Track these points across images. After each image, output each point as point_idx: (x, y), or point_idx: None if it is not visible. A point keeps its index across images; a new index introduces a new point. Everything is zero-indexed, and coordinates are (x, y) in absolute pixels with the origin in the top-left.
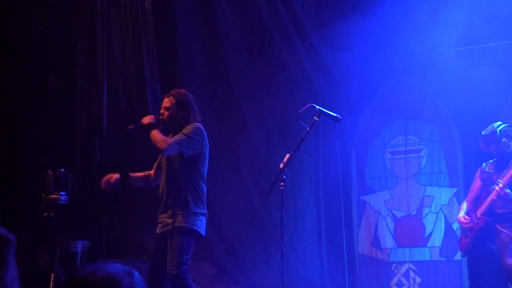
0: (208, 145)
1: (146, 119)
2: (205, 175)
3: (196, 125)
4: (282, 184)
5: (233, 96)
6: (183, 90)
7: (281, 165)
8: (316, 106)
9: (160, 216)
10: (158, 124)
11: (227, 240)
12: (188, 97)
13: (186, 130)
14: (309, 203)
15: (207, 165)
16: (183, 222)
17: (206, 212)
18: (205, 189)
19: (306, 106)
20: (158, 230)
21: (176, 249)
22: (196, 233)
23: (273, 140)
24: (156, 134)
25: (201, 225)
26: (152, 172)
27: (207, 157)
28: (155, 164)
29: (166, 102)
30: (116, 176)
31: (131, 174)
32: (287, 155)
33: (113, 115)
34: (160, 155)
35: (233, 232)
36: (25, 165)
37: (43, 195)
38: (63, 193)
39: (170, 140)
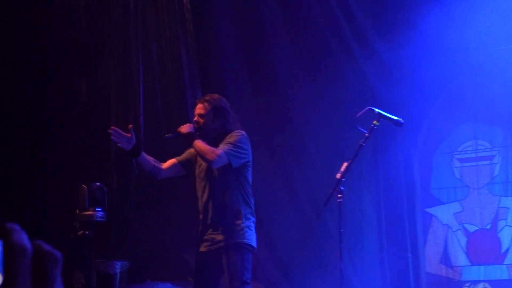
0: (252, 153)
1: (185, 128)
2: (251, 180)
3: (240, 132)
4: (339, 196)
5: (281, 98)
6: (217, 95)
7: (338, 175)
8: (375, 109)
9: (206, 232)
10: (196, 133)
11: (278, 257)
12: (224, 102)
13: (231, 138)
14: (369, 217)
15: (252, 170)
16: (240, 237)
17: (255, 220)
18: (253, 197)
19: (364, 110)
20: (203, 248)
21: (236, 269)
22: (252, 248)
23: (328, 147)
24: (201, 144)
25: (255, 238)
26: (164, 164)
27: (252, 165)
28: (173, 161)
29: (200, 108)
30: (129, 135)
31: (143, 154)
32: (344, 164)
33: (151, 123)
34: (185, 156)
35: (284, 248)
36: (57, 179)
37: (77, 211)
38: (99, 209)
39: (218, 150)
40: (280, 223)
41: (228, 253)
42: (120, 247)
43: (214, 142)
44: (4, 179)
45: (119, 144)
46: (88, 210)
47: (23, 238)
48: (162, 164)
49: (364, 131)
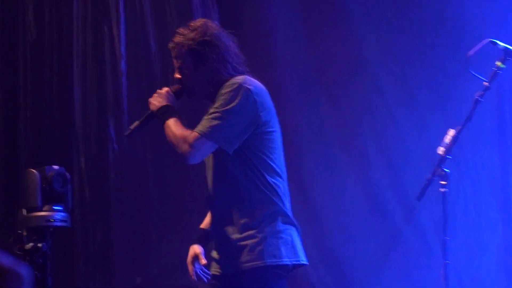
0: (273, 109)
1: (157, 99)
2: (278, 159)
3: (234, 83)
4: (443, 183)
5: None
6: (199, 22)
7: (441, 150)
8: (499, 43)
9: (212, 247)
10: (177, 99)
11: (345, 274)
12: (210, 30)
13: (218, 100)
14: (490, 217)
15: (277, 143)
16: (256, 258)
17: (292, 218)
18: (282, 183)
19: (480, 43)
20: (213, 270)
21: None
22: (284, 268)
23: (421, 109)
24: (172, 129)
25: (289, 249)
26: None
27: (275, 130)
28: None
29: (174, 55)
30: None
31: None
32: (451, 132)
33: (134, 84)
34: None
35: (355, 262)
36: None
37: (23, 211)
38: (58, 207)
39: (192, 134)
40: (349, 228)
41: (241, 283)
42: (92, 267)
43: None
44: None
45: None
46: (41, 210)
47: None
48: None
49: (482, 78)
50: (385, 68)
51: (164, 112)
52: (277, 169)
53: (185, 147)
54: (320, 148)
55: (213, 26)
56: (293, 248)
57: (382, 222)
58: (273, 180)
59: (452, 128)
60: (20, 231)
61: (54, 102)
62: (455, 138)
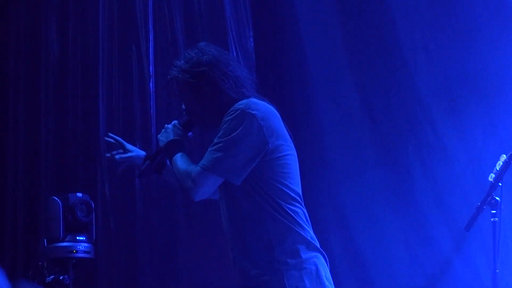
0: (284, 130)
1: (163, 136)
2: (294, 184)
3: (236, 109)
4: (494, 212)
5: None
6: (192, 52)
7: (492, 177)
8: None
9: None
10: (187, 132)
11: None
12: (206, 56)
13: (220, 131)
14: None
15: (292, 167)
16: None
17: (316, 245)
18: (301, 209)
19: None
20: None
21: None
22: None
23: (471, 132)
24: (175, 165)
25: (313, 279)
26: None
27: (288, 153)
28: None
29: (176, 91)
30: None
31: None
32: (502, 157)
33: (164, 106)
34: None
35: None
36: (16, 190)
37: (45, 242)
38: (81, 237)
39: (195, 169)
40: (390, 257)
41: None
42: None
43: None
44: None
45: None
46: (63, 241)
47: None
48: None
49: None
50: (431, 86)
51: (170, 148)
52: (294, 195)
53: (188, 183)
54: (361, 174)
55: (211, 50)
56: (318, 278)
57: (429, 252)
58: (291, 207)
59: (505, 154)
60: (40, 263)
61: (78, 124)
62: (507, 164)
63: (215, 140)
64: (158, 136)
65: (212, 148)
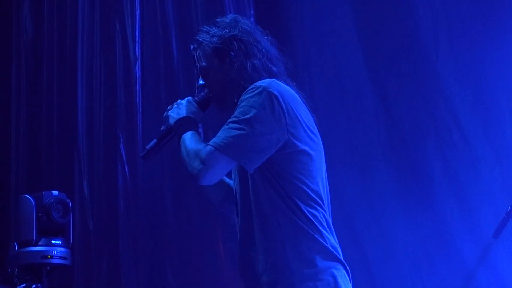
0: (311, 122)
1: (175, 112)
2: (316, 184)
3: (258, 86)
4: None
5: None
6: (225, 19)
7: None
8: None
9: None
10: (202, 110)
11: None
12: (240, 24)
13: (238, 108)
14: None
15: (315, 165)
16: None
17: (336, 254)
18: (321, 213)
19: None
20: None
21: None
22: None
23: (499, 131)
24: (184, 144)
25: None
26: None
27: (311, 149)
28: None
29: (197, 59)
30: None
31: None
32: None
33: (151, 93)
34: None
35: None
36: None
37: (15, 246)
38: (57, 241)
39: (205, 148)
40: (417, 271)
41: None
42: None
43: None
44: None
45: None
46: (37, 245)
47: None
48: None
49: None
50: (454, 76)
51: (182, 125)
52: (314, 196)
53: (195, 164)
54: (372, 174)
55: (245, 21)
56: None
57: (451, 263)
58: (310, 209)
59: None
60: (10, 270)
61: (54, 114)
62: None
63: (231, 119)
64: (169, 112)
65: (227, 126)
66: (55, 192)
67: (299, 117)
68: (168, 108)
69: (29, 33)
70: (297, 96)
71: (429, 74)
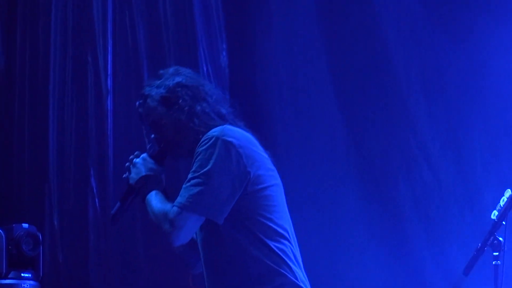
0: (266, 159)
1: (133, 172)
2: (280, 218)
3: (210, 137)
4: (496, 254)
5: None
6: (167, 70)
7: (494, 214)
8: None
9: None
10: (159, 165)
11: None
12: (183, 73)
13: (195, 163)
14: None
15: (277, 199)
16: None
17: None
18: (289, 247)
19: None
20: None
21: None
22: None
23: (471, 165)
24: (150, 206)
25: None
26: None
27: (272, 184)
28: None
29: (145, 112)
30: None
31: None
32: (507, 193)
33: (122, 126)
34: None
35: None
36: None
37: None
38: (26, 274)
39: (172, 209)
40: None
41: None
42: None
43: None
44: None
45: None
46: (6, 277)
47: None
48: None
49: None
50: (427, 115)
51: (143, 185)
52: (280, 231)
53: (166, 226)
54: (348, 213)
55: (187, 70)
56: None
57: None
58: (277, 245)
59: (510, 189)
60: None
61: (25, 147)
62: None
63: (190, 175)
64: (126, 174)
65: (188, 183)
66: (25, 225)
67: (255, 157)
68: (130, 157)
69: (1, 64)
70: (250, 136)
71: (401, 114)
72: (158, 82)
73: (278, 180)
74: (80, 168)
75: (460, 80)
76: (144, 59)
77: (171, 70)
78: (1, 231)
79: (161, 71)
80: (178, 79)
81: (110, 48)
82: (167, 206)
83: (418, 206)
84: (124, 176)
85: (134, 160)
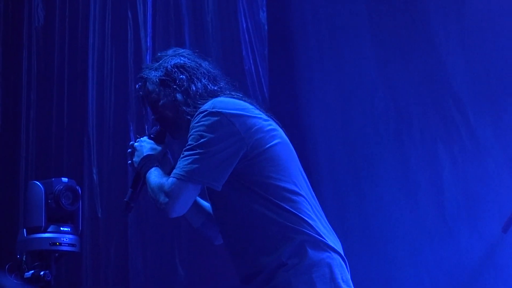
0: (266, 120)
1: (135, 155)
2: (289, 175)
3: (202, 111)
4: None
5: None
6: (164, 53)
7: None
8: None
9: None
10: (159, 144)
11: None
12: (179, 53)
13: (190, 137)
14: None
15: (282, 156)
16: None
17: (328, 243)
18: (303, 201)
19: None
20: None
21: None
22: None
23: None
24: (148, 182)
25: (327, 283)
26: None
27: (273, 143)
28: None
29: (145, 93)
30: None
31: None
32: None
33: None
34: None
35: None
36: None
37: (25, 233)
38: (66, 228)
39: (168, 180)
40: (419, 268)
41: None
42: None
43: None
44: None
45: None
46: (45, 231)
47: None
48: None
49: None
50: (465, 77)
51: (143, 165)
52: (291, 187)
53: (161, 198)
54: (383, 173)
55: (185, 50)
56: (333, 281)
57: (456, 260)
58: (291, 203)
59: None
60: (19, 256)
61: (64, 101)
62: None
63: (185, 149)
64: (130, 160)
65: (183, 156)
66: (64, 179)
67: (250, 122)
68: (130, 143)
69: (41, 19)
70: (244, 103)
71: (440, 75)
72: (157, 64)
73: (281, 138)
74: (120, 123)
75: (496, 42)
76: (185, 16)
77: (169, 51)
78: (40, 185)
79: (159, 54)
80: (175, 60)
81: (150, 3)
82: (163, 179)
83: (457, 168)
84: (128, 162)
85: (134, 144)
